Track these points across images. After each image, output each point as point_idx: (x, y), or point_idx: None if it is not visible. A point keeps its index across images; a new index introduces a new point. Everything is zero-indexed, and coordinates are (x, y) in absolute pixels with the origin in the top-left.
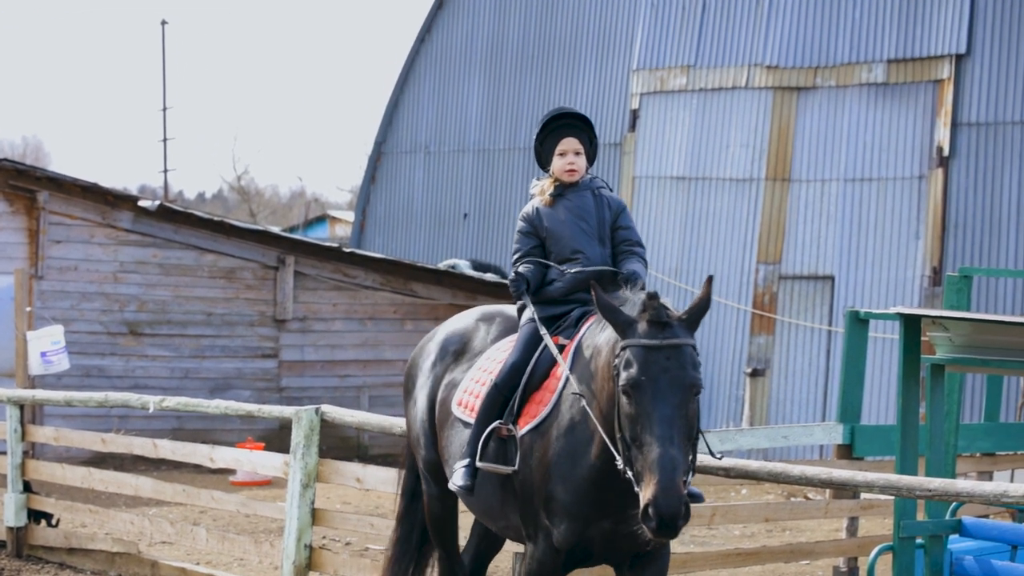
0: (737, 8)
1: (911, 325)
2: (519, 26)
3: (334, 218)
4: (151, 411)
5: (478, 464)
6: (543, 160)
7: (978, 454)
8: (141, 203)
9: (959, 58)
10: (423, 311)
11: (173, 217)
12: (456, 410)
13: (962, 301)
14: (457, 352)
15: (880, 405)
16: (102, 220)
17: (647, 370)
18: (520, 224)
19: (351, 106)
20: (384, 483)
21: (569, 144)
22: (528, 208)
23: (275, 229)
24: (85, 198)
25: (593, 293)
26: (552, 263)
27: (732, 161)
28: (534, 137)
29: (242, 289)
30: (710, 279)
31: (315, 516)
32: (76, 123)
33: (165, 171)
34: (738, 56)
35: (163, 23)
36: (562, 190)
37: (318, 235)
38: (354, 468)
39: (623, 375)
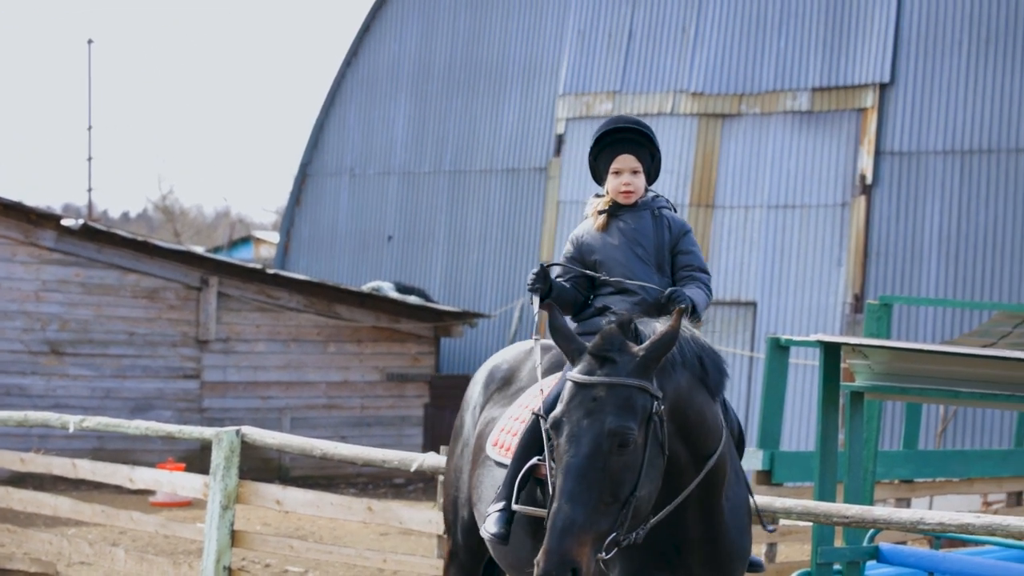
0: (663, 35)
1: (831, 352)
2: (446, 50)
3: (259, 239)
4: (71, 431)
5: (514, 507)
6: (598, 176)
7: (896, 481)
8: (64, 222)
9: (883, 87)
10: (346, 333)
11: (96, 236)
12: (491, 450)
13: (882, 329)
14: (502, 382)
15: (800, 432)
16: (24, 239)
17: (568, 410)
18: (567, 247)
19: (277, 127)
20: (304, 505)
21: (625, 162)
22: (578, 231)
23: (199, 249)
24: (7, 216)
25: (548, 314)
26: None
27: (657, 187)
28: (588, 151)
29: (165, 309)
30: (680, 310)
31: (234, 538)
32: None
33: (89, 190)
34: (663, 82)
35: (89, 42)
36: (617, 211)
37: (242, 256)
38: (274, 490)
39: (553, 412)
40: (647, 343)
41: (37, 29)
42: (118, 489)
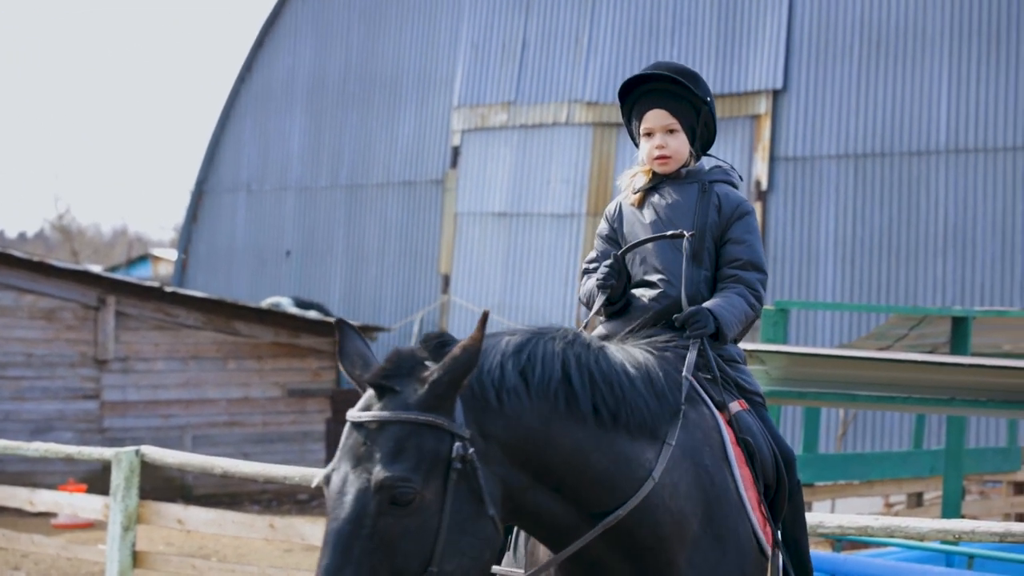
0: (556, 45)
1: None
2: (340, 64)
3: (157, 257)
4: None
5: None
6: (636, 140)
7: None
8: None
9: (776, 93)
10: (245, 350)
11: None
12: None
13: (779, 334)
14: None
15: None
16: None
17: (338, 458)
18: (600, 224)
19: (173, 144)
20: (206, 524)
21: (656, 119)
22: (611, 205)
23: (96, 269)
24: None
25: (338, 335)
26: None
27: (553, 197)
28: (621, 112)
29: (62, 330)
30: (484, 316)
31: (136, 559)
32: None
33: None
34: (558, 92)
35: None
36: (659, 182)
37: (141, 274)
38: (176, 509)
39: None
40: (439, 364)
41: None
42: (19, 512)
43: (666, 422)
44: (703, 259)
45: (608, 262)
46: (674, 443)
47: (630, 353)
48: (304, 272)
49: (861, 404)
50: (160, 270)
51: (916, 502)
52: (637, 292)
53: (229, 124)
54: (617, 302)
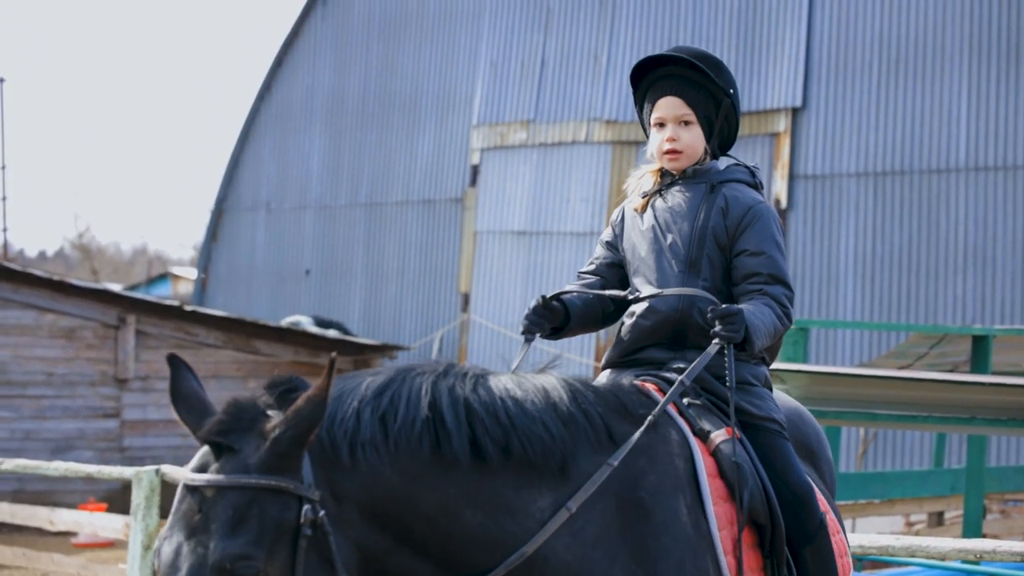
0: (576, 63)
1: None
2: (359, 82)
3: (176, 276)
4: None
5: None
6: (648, 131)
7: None
8: None
9: (795, 111)
10: (265, 369)
11: (12, 276)
12: None
13: (799, 352)
14: None
15: None
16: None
17: (170, 529)
18: (605, 230)
19: (193, 163)
20: None
21: (668, 108)
22: (618, 209)
23: (116, 287)
24: None
25: (170, 374)
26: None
27: (572, 215)
28: (633, 98)
29: (83, 348)
30: (331, 362)
31: None
32: None
33: (4, 230)
34: (577, 111)
35: (1, 80)
36: (669, 182)
37: (160, 293)
38: None
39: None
40: (282, 417)
41: None
42: (39, 531)
43: (585, 453)
44: (701, 267)
45: (532, 305)
46: (592, 478)
47: (531, 380)
48: (324, 291)
49: (881, 423)
50: (180, 289)
51: (937, 521)
52: (630, 309)
53: (248, 143)
54: (563, 328)
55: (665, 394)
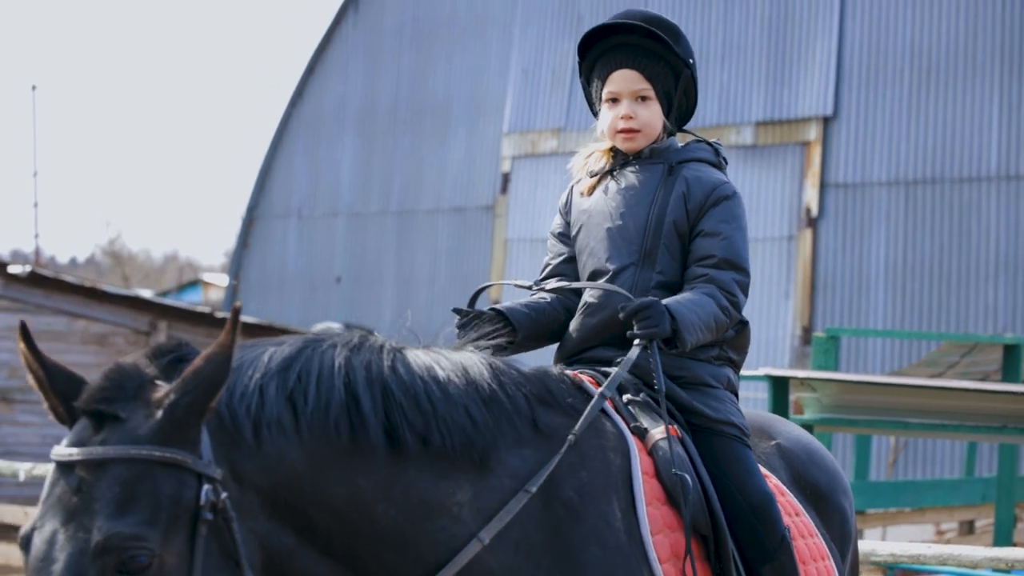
0: None
1: (779, 386)
2: (390, 90)
3: (207, 283)
4: (22, 479)
5: None
6: (597, 109)
7: None
8: (11, 269)
9: (826, 120)
10: None
11: (43, 283)
12: None
13: (830, 361)
14: None
15: None
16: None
17: (42, 511)
18: (555, 219)
19: (224, 170)
20: None
21: (623, 82)
22: (564, 193)
23: (147, 294)
24: None
25: (20, 339)
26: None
27: None
28: (579, 70)
29: (114, 355)
30: (235, 311)
31: None
32: None
33: (36, 236)
34: None
35: (33, 88)
36: (622, 164)
37: (191, 299)
38: None
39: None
40: (177, 382)
41: None
42: None
43: (507, 444)
44: (657, 258)
45: (458, 320)
46: (507, 506)
47: (450, 358)
48: (354, 298)
49: (912, 432)
50: (210, 296)
51: (968, 530)
52: (580, 304)
53: (280, 150)
54: (518, 334)
55: (600, 386)
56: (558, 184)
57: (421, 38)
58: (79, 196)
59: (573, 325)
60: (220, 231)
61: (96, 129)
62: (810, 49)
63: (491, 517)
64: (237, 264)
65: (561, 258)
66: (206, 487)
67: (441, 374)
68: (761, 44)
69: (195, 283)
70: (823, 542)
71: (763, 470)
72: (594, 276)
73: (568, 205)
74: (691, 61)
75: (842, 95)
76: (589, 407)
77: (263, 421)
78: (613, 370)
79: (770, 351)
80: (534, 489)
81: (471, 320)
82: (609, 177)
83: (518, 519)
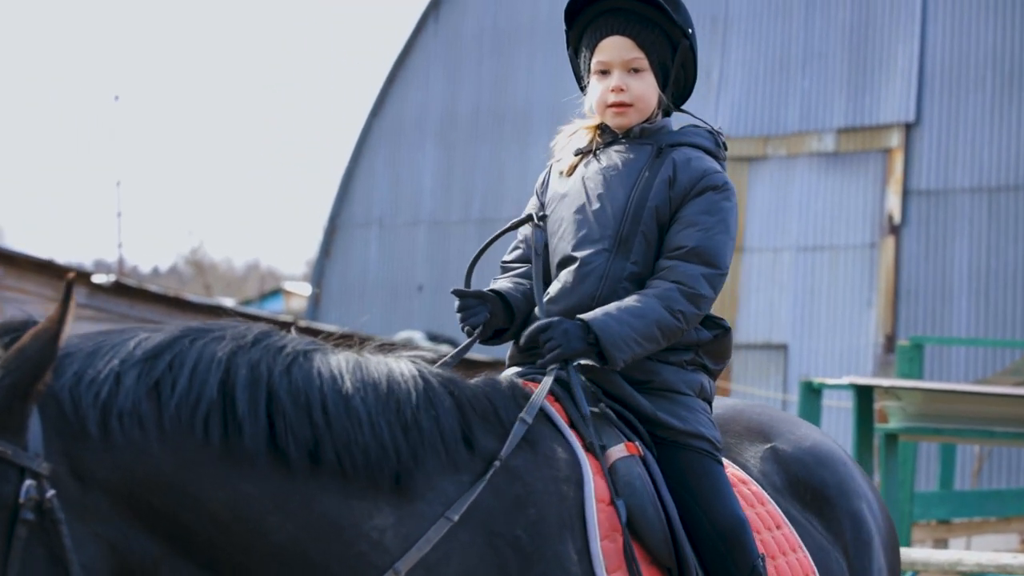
0: None
1: (863, 395)
2: (471, 98)
3: (289, 292)
4: None
5: None
6: (585, 83)
7: (933, 522)
8: (95, 279)
9: (908, 127)
10: None
11: (127, 292)
12: None
13: (914, 370)
14: None
15: None
16: (57, 295)
17: None
18: (529, 202)
19: (306, 179)
20: None
21: (615, 50)
22: (542, 174)
23: (229, 302)
24: (40, 274)
25: None
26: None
27: None
28: (566, 39)
29: None
30: (68, 283)
31: None
32: (29, 198)
33: (119, 246)
34: None
35: (116, 98)
36: (609, 142)
37: (273, 308)
38: None
39: None
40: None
41: (64, 86)
42: None
43: (434, 468)
44: (632, 247)
45: (458, 303)
46: (426, 535)
47: (372, 369)
48: (436, 306)
49: (997, 440)
50: (292, 305)
51: None
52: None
53: (361, 159)
54: (507, 328)
55: (558, 399)
56: None
57: (502, 45)
58: (161, 205)
59: (535, 313)
60: (302, 240)
61: (178, 138)
62: (892, 55)
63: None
64: (319, 273)
65: (531, 244)
66: (28, 483)
67: (348, 386)
68: (842, 51)
69: (277, 292)
70: (807, 556)
71: (740, 475)
72: (564, 262)
73: (545, 185)
74: (690, 31)
75: (924, 101)
76: (511, 436)
77: (113, 411)
78: (568, 375)
79: (853, 359)
80: (456, 517)
81: (473, 304)
82: (592, 156)
83: (451, 554)
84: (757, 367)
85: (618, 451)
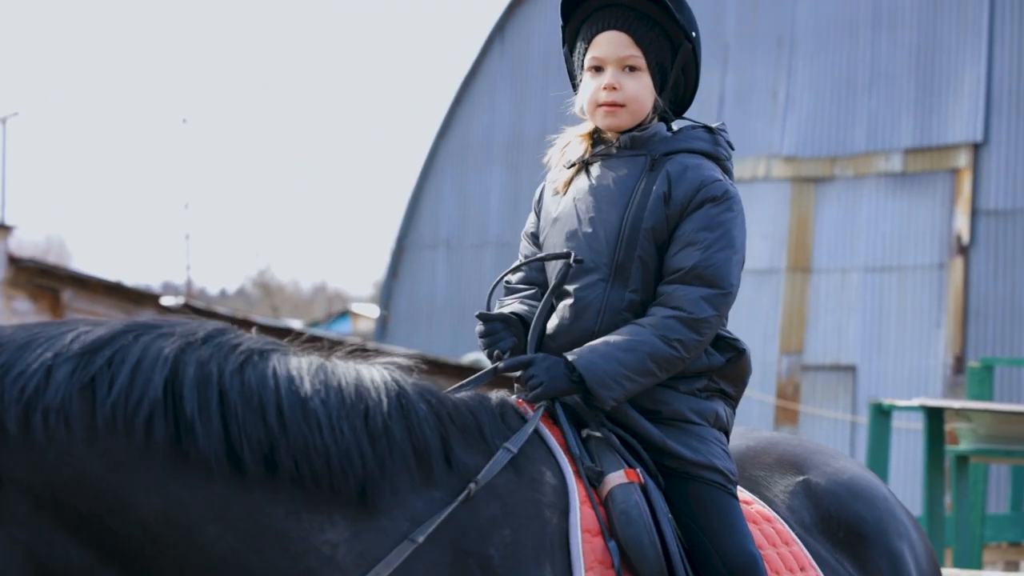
0: (754, 99)
1: (934, 417)
2: (537, 119)
3: (356, 313)
4: None
5: None
6: (578, 81)
7: (1005, 544)
8: (163, 301)
9: (976, 147)
10: None
11: (196, 314)
12: None
13: (984, 391)
14: None
15: (905, 497)
16: (126, 318)
17: None
18: (528, 219)
19: (373, 201)
20: None
21: (609, 46)
22: (538, 189)
23: (297, 324)
24: (109, 296)
25: None
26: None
27: (752, 252)
28: (562, 35)
29: None
30: None
31: None
32: (98, 221)
33: (188, 268)
34: (756, 147)
35: (183, 121)
36: (603, 153)
37: (340, 330)
38: None
39: None
40: None
41: (132, 110)
42: None
43: (404, 484)
44: (630, 274)
45: (480, 327)
46: (386, 559)
47: (338, 374)
48: None
49: None
50: (360, 326)
51: None
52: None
53: (428, 180)
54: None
55: (556, 423)
56: None
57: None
58: (229, 227)
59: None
60: (369, 261)
61: (245, 160)
62: (959, 74)
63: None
64: (386, 294)
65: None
66: None
67: (306, 388)
68: (909, 70)
69: (344, 314)
70: None
71: (765, 512)
72: (560, 295)
73: (540, 202)
74: (694, 34)
75: (992, 121)
76: (492, 461)
77: (38, 408)
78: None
79: (922, 381)
80: (420, 539)
81: (499, 329)
82: (584, 171)
83: (413, 574)
84: (825, 389)
85: (616, 477)
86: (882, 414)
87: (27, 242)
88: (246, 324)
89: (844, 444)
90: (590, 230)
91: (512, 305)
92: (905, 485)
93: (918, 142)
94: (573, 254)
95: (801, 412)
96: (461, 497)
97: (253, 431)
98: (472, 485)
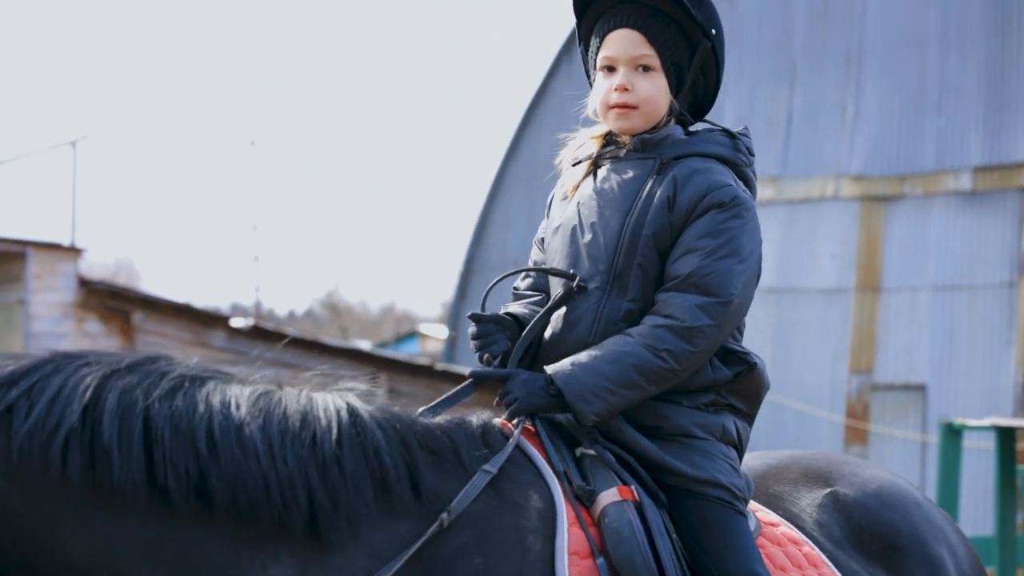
0: (822, 118)
1: (1006, 436)
2: None
3: (424, 334)
4: None
5: None
6: (591, 80)
7: None
8: (233, 322)
9: None
10: None
11: (265, 336)
12: None
13: None
14: None
15: (976, 516)
16: (196, 339)
17: None
18: (542, 225)
19: (441, 222)
20: None
21: (622, 44)
22: (551, 194)
23: (365, 345)
24: (178, 318)
25: None
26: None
27: (821, 271)
28: (576, 34)
29: None
30: None
31: None
32: (167, 243)
33: (257, 289)
34: (824, 166)
35: (252, 143)
36: (612, 155)
37: (408, 351)
38: None
39: None
40: None
41: (201, 131)
42: None
43: (373, 514)
44: (628, 283)
45: (472, 328)
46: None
47: (279, 399)
48: None
49: None
50: (428, 347)
51: None
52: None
53: (497, 201)
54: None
55: (543, 445)
56: (775, 232)
57: None
58: (297, 249)
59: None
60: (437, 282)
61: (313, 182)
62: None
63: None
64: (455, 315)
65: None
66: None
67: (242, 413)
68: (978, 87)
69: (412, 335)
70: None
71: (792, 534)
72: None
73: (550, 207)
74: (713, 32)
75: None
76: (469, 485)
77: None
78: (565, 418)
79: (993, 400)
80: None
81: (492, 331)
82: (591, 175)
83: None
84: (895, 408)
85: (610, 495)
86: (953, 434)
87: (97, 264)
88: (315, 345)
89: (914, 464)
90: (590, 236)
91: (512, 307)
92: (976, 505)
93: (987, 160)
94: (577, 277)
95: (871, 432)
96: (432, 529)
97: (180, 460)
98: (444, 515)
